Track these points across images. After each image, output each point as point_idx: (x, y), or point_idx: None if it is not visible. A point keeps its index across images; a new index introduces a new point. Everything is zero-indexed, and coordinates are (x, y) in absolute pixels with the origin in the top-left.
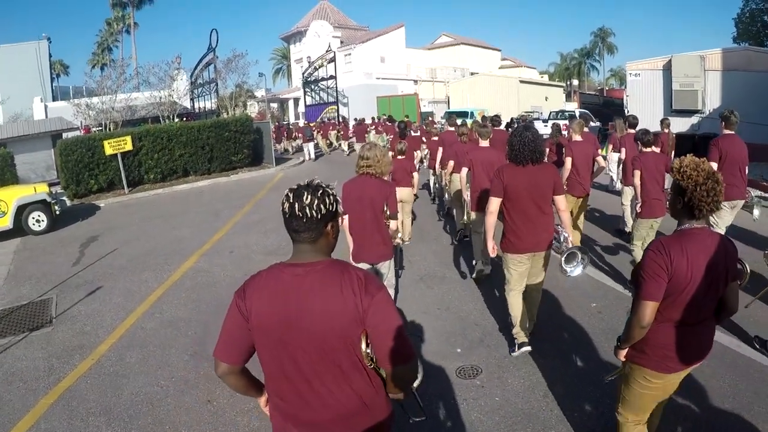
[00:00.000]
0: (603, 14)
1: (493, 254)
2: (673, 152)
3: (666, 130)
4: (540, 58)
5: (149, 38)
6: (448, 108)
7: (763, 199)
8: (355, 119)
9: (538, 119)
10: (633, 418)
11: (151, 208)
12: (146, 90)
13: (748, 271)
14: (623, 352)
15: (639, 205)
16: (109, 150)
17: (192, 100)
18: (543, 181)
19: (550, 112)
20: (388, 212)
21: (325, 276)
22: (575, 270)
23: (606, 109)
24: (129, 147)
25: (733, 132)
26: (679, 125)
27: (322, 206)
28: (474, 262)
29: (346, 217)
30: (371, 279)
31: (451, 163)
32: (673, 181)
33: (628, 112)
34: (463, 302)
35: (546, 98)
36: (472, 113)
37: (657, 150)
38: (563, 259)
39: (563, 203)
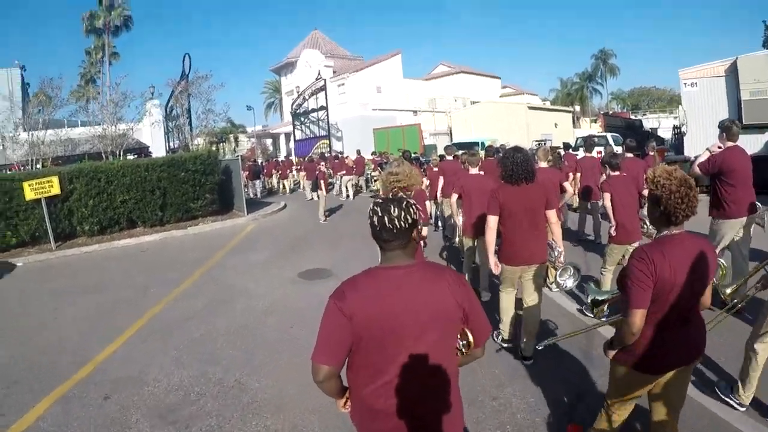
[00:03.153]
0: (602, 36)
1: (496, 271)
2: None
3: (651, 153)
4: (538, 85)
5: (132, 70)
6: (451, 139)
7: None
8: (302, 157)
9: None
10: (615, 408)
11: (70, 275)
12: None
13: (728, 265)
14: (612, 352)
15: (613, 228)
16: (30, 194)
17: (167, 134)
18: (536, 198)
19: (577, 138)
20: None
21: (425, 274)
22: (567, 282)
23: (630, 132)
24: (56, 191)
25: (736, 144)
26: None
27: (408, 216)
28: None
29: None
30: (460, 275)
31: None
32: (648, 191)
33: (686, 129)
34: None
35: (555, 125)
36: (482, 143)
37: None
38: (558, 274)
39: (554, 217)
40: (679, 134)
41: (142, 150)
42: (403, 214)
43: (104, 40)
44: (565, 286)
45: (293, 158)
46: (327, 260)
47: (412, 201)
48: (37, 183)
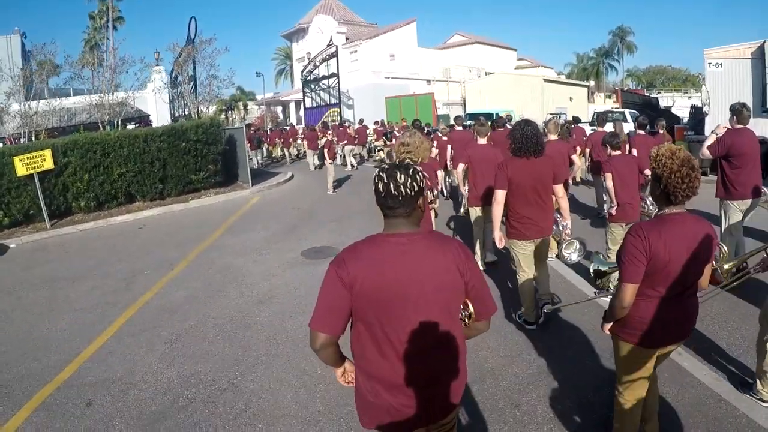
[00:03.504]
0: (619, 14)
1: (500, 245)
2: None
3: (661, 131)
4: (553, 59)
5: (138, 36)
6: (465, 110)
7: None
8: (307, 125)
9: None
10: (627, 392)
11: (63, 257)
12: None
13: (725, 251)
14: (608, 326)
15: (614, 208)
16: (21, 170)
17: (171, 102)
18: (545, 172)
19: (594, 112)
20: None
21: (430, 243)
22: (573, 256)
23: (647, 109)
24: (49, 165)
25: (745, 126)
26: None
27: (414, 184)
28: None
29: None
30: (464, 246)
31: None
32: (651, 169)
33: (708, 109)
34: None
35: (570, 99)
36: (496, 115)
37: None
38: (563, 247)
39: (561, 191)
40: (695, 114)
41: (141, 119)
42: (409, 181)
43: (108, 4)
44: (570, 260)
45: (298, 127)
46: (333, 236)
47: (419, 168)
48: (29, 157)
